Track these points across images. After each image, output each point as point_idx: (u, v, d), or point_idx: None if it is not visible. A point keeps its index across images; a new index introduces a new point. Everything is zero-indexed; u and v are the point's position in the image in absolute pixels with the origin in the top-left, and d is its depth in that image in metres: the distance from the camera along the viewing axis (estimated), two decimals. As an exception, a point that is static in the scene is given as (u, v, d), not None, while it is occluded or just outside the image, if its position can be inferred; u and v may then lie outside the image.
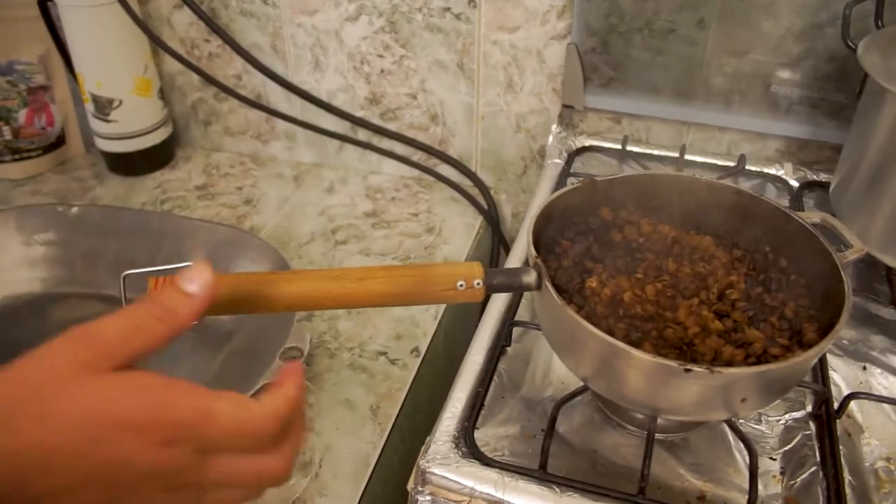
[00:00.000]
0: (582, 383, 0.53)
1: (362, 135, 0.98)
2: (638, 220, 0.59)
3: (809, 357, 0.45)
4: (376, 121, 0.96)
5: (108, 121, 0.98)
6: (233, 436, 0.34)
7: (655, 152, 0.83)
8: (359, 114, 0.96)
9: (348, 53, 0.93)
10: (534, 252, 0.49)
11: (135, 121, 0.99)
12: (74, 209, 0.84)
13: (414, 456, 0.53)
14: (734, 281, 0.54)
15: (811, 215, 0.56)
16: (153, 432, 0.32)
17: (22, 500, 0.31)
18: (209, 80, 0.97)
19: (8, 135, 1.01)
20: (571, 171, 0.82)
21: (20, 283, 0.82)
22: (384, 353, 0.73)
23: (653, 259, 0.56)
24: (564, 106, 0.87)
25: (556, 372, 0.59)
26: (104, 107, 0.97)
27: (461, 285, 0.45)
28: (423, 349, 0.74)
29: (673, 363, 0.43)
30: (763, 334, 0.50)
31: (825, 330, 0.48)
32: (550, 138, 0.86)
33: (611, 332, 0.45)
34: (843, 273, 0.50)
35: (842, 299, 0.48)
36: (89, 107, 0.98)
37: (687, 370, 0.43)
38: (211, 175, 1.02)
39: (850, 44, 0.70)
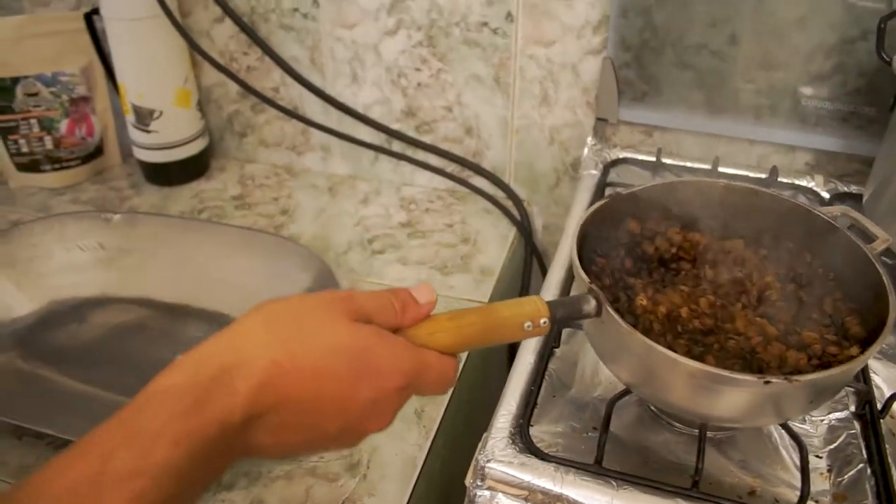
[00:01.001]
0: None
1: (397, 147, 1.00)
2: (665, 229, 0.59)
3: (872, 352, 0.46)
4: (411, 133, 0.98)
5: (148, 131, 1.00)
6: (436, 383, 0.44)
7: (689, 164, 0.85)
8: (394, 126, 0.98)
9: (386, 67, 0.95)
10: (586, 278, 0.49)
11: (174, 132, 1.01)
12: (117, 216, 0.86)
13: (456, 458, 0.54)
14: (770, 282, 0.55)
15: (832, 210, 0.58)
16: (390, 378, 0.41)
17: (281, 401, 0.38)
18: (249, 90, 0.99)
19: (49, 144, 1.03)
20: (608, 181, 0.84)
21: (63, 288, 0.84)
22: (426, 358, 0.75)
23: (689, 269, 0.57)
24: (598, 119, 0.89)
25: (604, 373, 0.60)
26: (145, 117, 0.99)
27: (528, 326, 0.45)
28: (464, 356, 0.75)
29: (752, 377, 0.44)
30: (816, 333, 0.51)
31: (868, 323, 0.50)
32: (586, 150, 0.88)
33: (672, 349, 0.46)
34: (876, 263, 0.51)
35: (881, 288, 0.49)
36: (130, 117, 1.00)
37: (767, 382, 0.44)
38: (246, 185, 1.04)
39: (884, 56, 0.71)
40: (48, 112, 1.02)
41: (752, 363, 0.49)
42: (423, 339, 0.43)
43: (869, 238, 0.55)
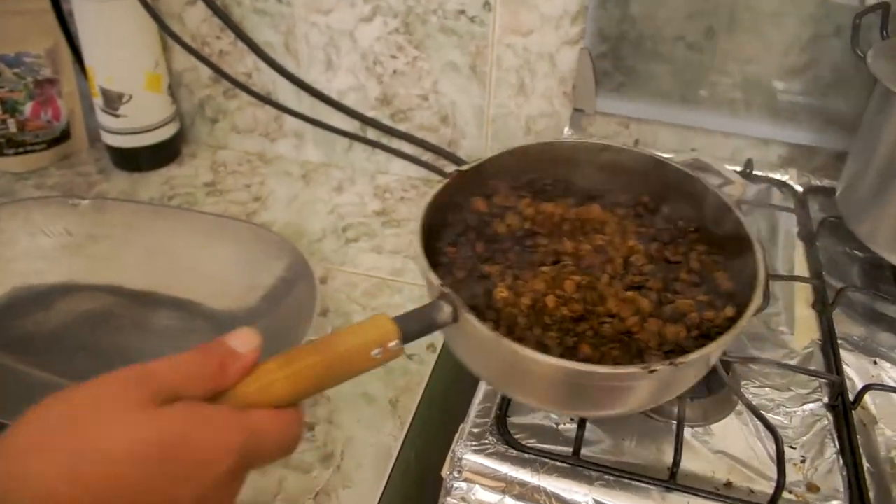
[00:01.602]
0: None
1: (372, 134, 0.99)
2: (515, 203, 0.55)
3: (748, 316, 0.44)
4: (387, 121, 0.97)
5: (116, 115, 0.98)
6: (278, 447, 0.37)
7: (668, 156, 0.85)
8: (370, 114, 0.97)
9: (361, 53, 0.94)
10: (436, 279, 0.44)
11: (144, 116, 0.99)
12: (85, 202, 0.84)
13: (432, 448, 0.54)
14: (633, 245, 0.52)
15: (684, 157, 0.56)
16: (215, 464, 0.34)
17: None
18: (222, 74, 0.98)
19: (13, 127, 1.00)
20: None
21: (28, 274, 0.82)
22: (401, 348, 0.74)
23: (546, 244, 0.52)
24: (575, 109, 0.89)
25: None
26: (114, 101, 0.97)
27: (377, 353, 0.40)
28: (439, 345, 0.75)
29: (635, 368, 0.41)
30: (689, 299, 0.49)
31: (737, 275, 0.49)
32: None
33: (543, 345, 0.44)
34: (734, 209, 0.49)
35: (743, 236, 0.48)
36: (98, 101, 0.98)
37: (652, 371, 0.41)
38: (218, 172, 1.02)
39: (858, 52, 0.72)
40: (11, 94, 0.99)
41: (630, 346, 0.46)
42: (253, 397, 0.37)
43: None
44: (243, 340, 0.38)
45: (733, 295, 0.49)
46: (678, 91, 0.86)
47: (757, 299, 0.44)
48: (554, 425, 0.55)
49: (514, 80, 0.90)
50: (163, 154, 1.03)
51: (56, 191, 1.00)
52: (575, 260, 0.51)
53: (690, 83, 0.85)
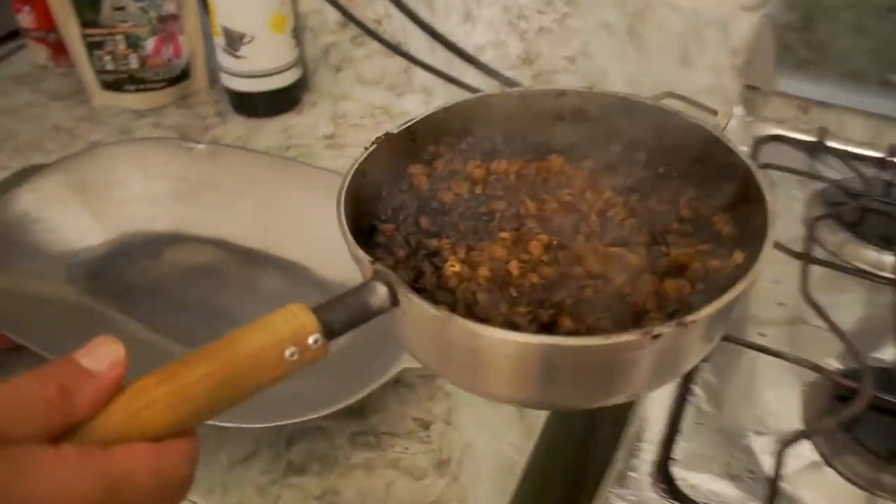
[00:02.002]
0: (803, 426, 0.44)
1: (507, 97, 0.90)
2: (461, 166, 0.46)
3: (768, 250, 0.35)
4: (527, 83, 0.88)
5: (237, 57, 0.92)
6: (159, 491, 0.28)
7: (854, 150, 0.73)
8: (508, 73, 0.88)
9: (504, 6, 0.84)
10: (365, 255, 0.35)
11: (265, 59, 0.93)
12: (200, 146, 0.79)
13: (563, 465, 0.45)
14: (609, 197, 0.43)
15: (655, 95, 0.46)
16: None
17: None
18: (350, 18, 0.90)
19: (135, 63, 0.96)
20: (761, 163, 0.72)
21: (138, 219, 0.77)
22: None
23: (505, 208, 0.43)
24: (747, 86, 0.77)
25: (767, 394, 0.50)
26: (235, 42, 0.91)
27: (292, 354, 0.31)
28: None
29: (635, 335, 0.31)
30: (688, 249, 0.40)
31: (739, 216, 0.40)
32: (733, 121, 0.76)
33: (512, 324, 0.35)
34: (724, 140, 0.41)
35: (739, 169, 0.39)
36: (219, 41, 0.92)
37: (655, 336, 0.31)
38: (339, 124, 0.95)
39: None
40: (135, 28, 0.94)
41: (622, 312, 0.36)
42: (120, 428, 0.28)
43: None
44: (98, 355, 0.29)
45: (738, 239, 0.40)
46: (877, 72, 0.73)
47: (771, 234, 0.36)
48: (731, 478, 0.45)
49: (677, 48, 0.79)
50: (282, 101, 0.97)
51: (172, 132, 0.95)
52: (540, 222, 0.42)
53: (894, 64, 0.72)
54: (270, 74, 0.94)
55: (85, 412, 0.28)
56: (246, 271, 0.74)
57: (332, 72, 0.99)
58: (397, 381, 0.61)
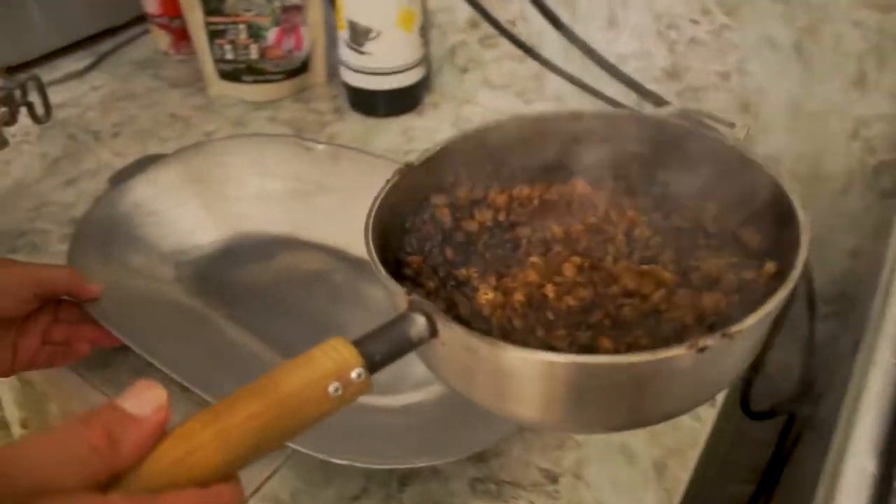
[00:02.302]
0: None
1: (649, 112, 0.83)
2: (483, 194, 0.45)
3: (804, 254, 0.34)
4: (671, 98, 0.80)
5: (361, 52, 0.88)
6: None
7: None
8: (651, 87, 0.81)
9: (655, 14, 0.77)
10: (399, 287, 0.35)
11: (390, 56, 0.88)
12: (320, 146, 0.75)
13: None
14: (633, 216, 0.43)
15: (667, 109, 0.47)
16: None
17: None
18: (484, 16, 0.84)
19: (254, 54, 0.93)
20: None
21: (251, 219, 0.74)
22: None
23: (530, 233, 0.44)
24: (933, 117, 0.68)
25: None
26: (360, 36, 0.87)
27: (336, 389, 0.31)
28: (720, 398, 0.59)
29: (681, 350, 0.31)
30: (719, 261, 0.40)
31: (765, 227, 0.39)
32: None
33: (550, 348, 0.35)
34: (747, 153, 0.40)
35: (764, 180, 0.38)
36: (343, 34, 0.88)
37: (701, 349, 0.31)
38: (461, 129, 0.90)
39: None
40: (258, 18, 0.91)
41: (660, 329, 0.37)
42: (167, 475, 0.28)
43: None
44: (142, 399, 0.29)
45: (767, 250, 0.39)
46: None
47: (805, 240, 0.35)
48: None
49: (853, 69, 0.70)
50: (404, 101, 0.93)
51: (287, 127, 0.92)
52: (568, 245, 0.43)
53: None
54: (394, 73, 0.89)
55: (131, 458, 0.28)
56: (358, 282, 0.70)
57: (458, 73, 0.94)
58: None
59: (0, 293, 0.53)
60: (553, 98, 0.88)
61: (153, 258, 0.68)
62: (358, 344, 0.32)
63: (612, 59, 0.81)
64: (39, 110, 0.75)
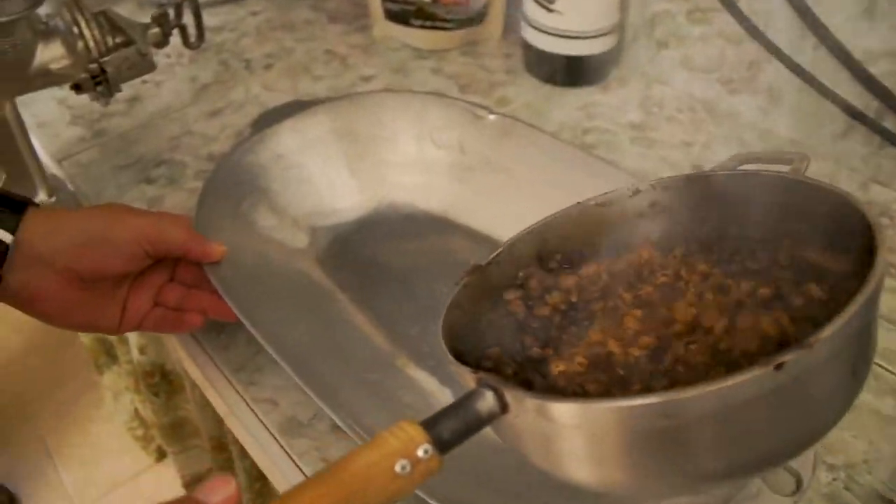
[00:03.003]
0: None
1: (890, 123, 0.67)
2: (555, 281, 0.44)
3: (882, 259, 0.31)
4: (930, 114, 0.64)
5: (550, 9, 0.76)
6: None
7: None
8: (904, 95, 0.65)
9: (932, 5, 0.61)
10: (464, 368, 0.35)
11: (583, 19, 0.76)
12: (493, 116, 0.64)
13: None
14: (704, 270, 0.42)
15: (724, 165, 0.44)
16: None
17: None
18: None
19: (429, -5, 0.83)
20: None
21: (402, 189, 0.64)
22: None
23: (601, 306, 0.43)
24: None
25: None
26: (553, -9, 0.75)
27: (404, 467, 0.31)
28: None
29: (757, 371, 0.28)
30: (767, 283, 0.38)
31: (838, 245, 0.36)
32: None
33: None
34: (802, 179, 0.38)
35: (831, 199, 0.36)
36: (532, -14, 0.76)
37: (779, 366, 0.28)
38: (651, 113, 0.77)
39: None
40: (441, -45, 0.81)
41: (729, 360, 0.35)
42: None
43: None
44: (216, 489, 0.31)
45: (847, 272, 0.35)
46: None
47: (882, 244, 0.32)
48: None
49: None
50: (588, 71, 0.80)
51: (453, 81, 0.82)
52: (637, 308, 0.41)
53: None
54: (582, 37, 0.77)
55: None
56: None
57: (654, 47, 0.80)
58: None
59: (109, 248, 0.46)
60: (765, 92, 0.73)
61: (286, 220, 0.60)
62: (426, 423, 0.32)
63: (857, 55, 0.66)
64: (192, 34, 0.67)
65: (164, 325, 0.51)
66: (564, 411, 0.31)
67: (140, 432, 1.34)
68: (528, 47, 0.81)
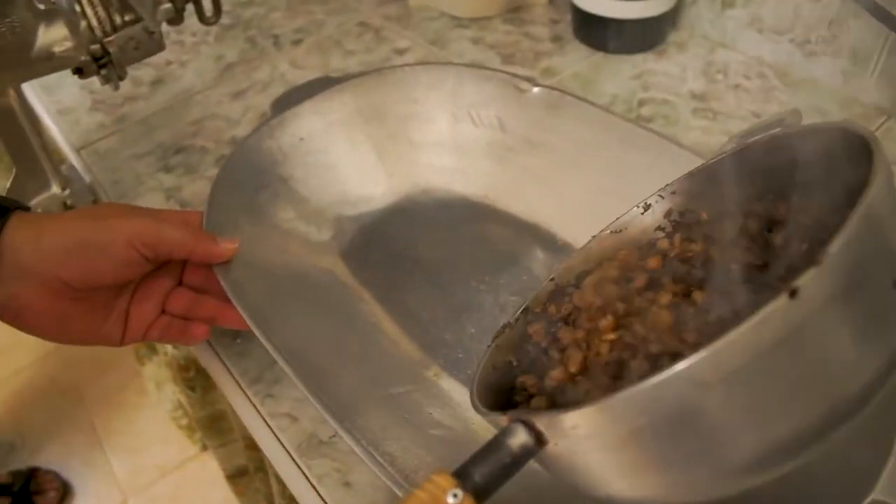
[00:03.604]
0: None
1: None
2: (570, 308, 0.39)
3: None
4: None
5: (600, -32, 0.68)
6: None
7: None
8: None
9: None
10: (497, 413, 0.32)
11: (637, -24, 0.68)
12: (536, 90, 0.57)
13: None
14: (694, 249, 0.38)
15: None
16: None
17: None
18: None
19: (467, -43, 0.76)
20: None
21: (435, 172, 0.58)
22: None
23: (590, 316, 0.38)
24: None
25: None
26: (603, -53, 0.67)
27: None
28: None
29: (777, 302, 0.25)
30: None
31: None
32: None
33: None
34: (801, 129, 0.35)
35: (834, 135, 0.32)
36: (581, -58, 0.69)
37: (793, 293, 0.25)
38: (714, 81, 0.69)
39: None
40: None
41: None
42: None
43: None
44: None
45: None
46: None
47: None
48: None
49: None
50: (643, 35, 0.73)
51: (495, 52, 0.75)
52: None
53: None
54: (636, -2, 0.69)
55: None
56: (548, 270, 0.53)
57: (717, 8, 0.72)
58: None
59: (99, 255, 0.41)
60: (847, 53, 0.65)
61: (308, 210, 0.54)
62: (457, 471, 0.30)
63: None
64: (209, 9, 0.62)
65: (170, 335, 0.46)
66: (600, 414, 0.27)
67: (184, 422, 1.32)
68: (577, 11, 0.74)
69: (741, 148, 0.38)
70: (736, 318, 0.25)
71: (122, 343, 0.45)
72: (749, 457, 0.27)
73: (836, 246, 0.26)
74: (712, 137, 0.63)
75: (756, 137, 0.37)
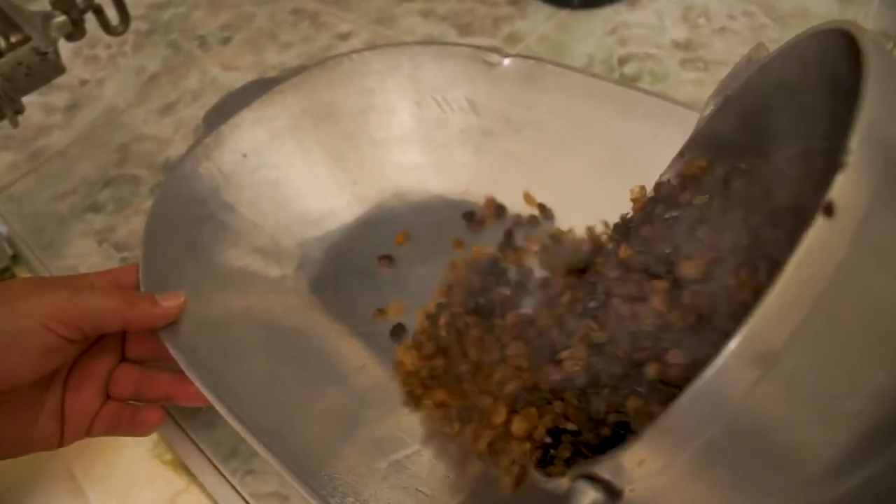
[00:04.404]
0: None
1: None
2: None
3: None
4: None
5: (554, -87, 0.60)
6: None
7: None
8: None
9: None
10: (556, 475, 0.29)
11: (597, -83, 0.60)
12: (507, 61, 0.49)
13: None
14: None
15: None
16: None
17: None
18: None
19: (403, -80, 0.67)
20: None
21: (406, 173, 0.50)
22: None
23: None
24: None
25: None
26: None
27: None
28: None
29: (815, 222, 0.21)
30: None
31: None
32: None
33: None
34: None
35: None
36: None
37: (828, 210, 0.21)
38: (697, 26, 0.62)
39: None
40: None
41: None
42: None
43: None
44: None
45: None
46: None
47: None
48: None
49: None
50: (611, -16, 0.65)
51: (449, 24, 0.67)
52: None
53: None
54: (598, -58, 0.62)
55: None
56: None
57: (690, -60, 0.65)
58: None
59: (8, 348, 0.32)
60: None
61: (264, 238, 0.46)
62: None
63: None
64: (114, 17, 0.53)
65: (119, 426, 0.38)
66: (663, 437, 0.22)
67: (168, 457, 1.23)
68: (532, -34, 0.66)
69: (720, 105, 0.36)
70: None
71: (61, 444, 0.37)
72: (847, 437, 0.23)
73: (855, 140, 0.22)
74: (706, 90, 0.55)
75: (731, 90, 0.35)
